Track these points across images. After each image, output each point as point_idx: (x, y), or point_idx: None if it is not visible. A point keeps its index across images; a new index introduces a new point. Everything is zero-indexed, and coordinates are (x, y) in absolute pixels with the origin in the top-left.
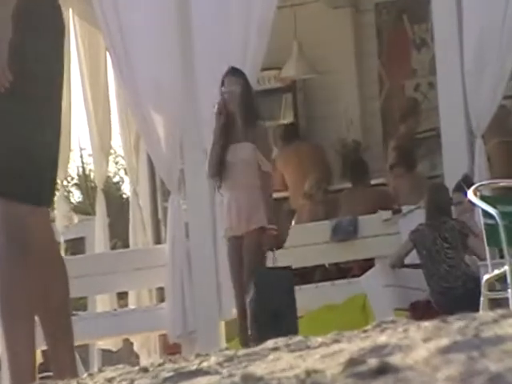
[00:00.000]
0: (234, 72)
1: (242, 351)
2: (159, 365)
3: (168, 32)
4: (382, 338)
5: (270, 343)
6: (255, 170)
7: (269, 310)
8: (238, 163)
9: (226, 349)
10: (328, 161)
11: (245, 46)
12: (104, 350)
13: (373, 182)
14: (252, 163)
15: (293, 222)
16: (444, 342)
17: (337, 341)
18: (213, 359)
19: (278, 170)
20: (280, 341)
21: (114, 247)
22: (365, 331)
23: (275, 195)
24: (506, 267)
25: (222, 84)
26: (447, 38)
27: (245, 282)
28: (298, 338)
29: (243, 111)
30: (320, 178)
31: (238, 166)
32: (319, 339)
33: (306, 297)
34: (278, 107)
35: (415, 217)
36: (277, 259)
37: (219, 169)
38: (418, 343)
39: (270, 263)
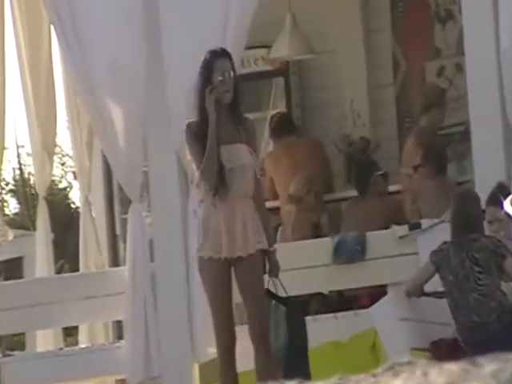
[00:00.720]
0: (227, 54)
1: None
2: None
3: (129, 2)
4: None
5: None
6: (253, 177)
7: (302, 347)
8: (236, 169)
9: None
10: (328, 160)
11: (224, 19)
12: None
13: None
14: (251, 169)
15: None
16: None
17: None
18: None
19: (266, 174)
20: None
21: (59, 270)
22: (375, 375)
23: None
24: None
25: (210, 69)
26: (479, 10)
27: (253, 316)
28: (293, 382)
29: (235, 104)
30: (310, 177)
31: (236, 173)
32: None
33: None
34: (267, 95)
35: (438, 233)
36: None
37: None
38: None
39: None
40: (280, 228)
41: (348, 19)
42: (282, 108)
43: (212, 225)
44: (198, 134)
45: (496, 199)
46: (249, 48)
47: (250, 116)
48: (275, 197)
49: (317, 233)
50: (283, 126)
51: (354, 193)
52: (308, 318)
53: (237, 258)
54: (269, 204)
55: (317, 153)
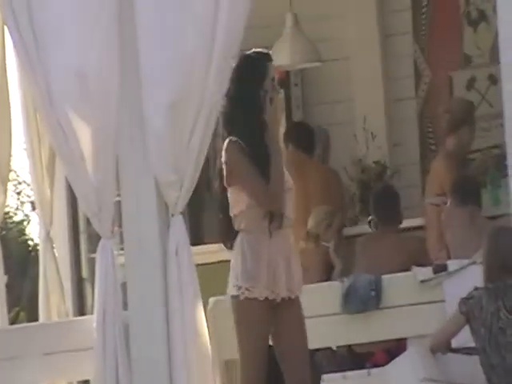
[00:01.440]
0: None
1: None
2: None
3: (100, 4)
4: None
5: None
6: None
7: None
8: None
9: None
10: (342, 187)
11: (213, 21)
12: None
13: (405, 223)
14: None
15: None
16: None
17: None
18: None
19: None
20: None
21: (14, 320)
22: None
23: None
24: None
25: (263, 75)
26: None
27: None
28: None
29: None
30: (331, 210)
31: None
32: None
33: None
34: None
35: (469, 277)
36: None
37: None
38: None
39: None
40: None
41: (362, 21)
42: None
43: (264, 258)
44: (248, 153)
45: None
46: None
47: None
48: None
49: (329, 275)
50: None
51: (367, 228)
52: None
53: (282, 299)
54: None
55: (331, 176)
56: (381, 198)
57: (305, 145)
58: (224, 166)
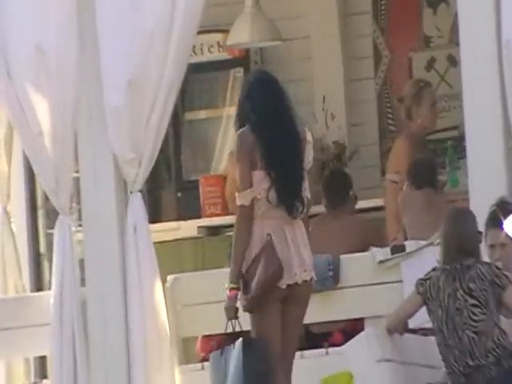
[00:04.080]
0: None
1: None
2: None
3: None
4: None
5: None
6: None
7: None
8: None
9: None
10: None
11: (172, 0)
12: None
13: (363, 204)
14: None
15: None
16: None
17: None
18: None
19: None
20: None
21: None
22: None
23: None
24: None
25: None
26: None
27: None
28: None
29: None
30: None
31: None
32: None
33: None
34: (223, 89)
35: (426, 258)
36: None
37: None
38: None
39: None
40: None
41: (322, 0)
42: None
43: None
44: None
45: (498, 219)
46: (202, 32)
47: (202, 114)
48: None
49: None
50: None
51: (323, 208)
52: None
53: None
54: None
55: None
56: (330, 181)
57: None
58: None
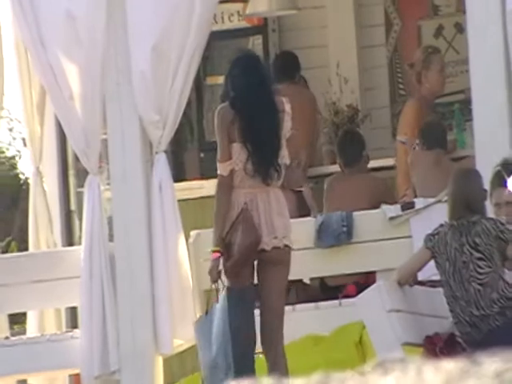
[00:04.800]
0: None
1: None
2: None
3: None
4: (387, 383)
5: None
6: None
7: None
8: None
9: None
10: (319, 123)
11: None
12: None
13: (374, 163)
14: None
15: None
16: None
17: None
18: None
19: None
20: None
21: (6, 249)
22: (362, 373)
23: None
24: None
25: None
26: None
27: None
28: (270, 380)
29: None
30: (299, 147)
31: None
32: (299, 382)
33: None
34: None
35: (434, 214)
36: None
37: None
38: None
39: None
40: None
41: None
42: None
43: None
44: None
45: (502, 179)
46: (223, 2)
47: (223, 79)
48: None
49: (304, 212)
50: (288, 66)
51: (337, 168)
52: (286, 308)
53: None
54: None
55: (311, 112)
56: (344, 141)
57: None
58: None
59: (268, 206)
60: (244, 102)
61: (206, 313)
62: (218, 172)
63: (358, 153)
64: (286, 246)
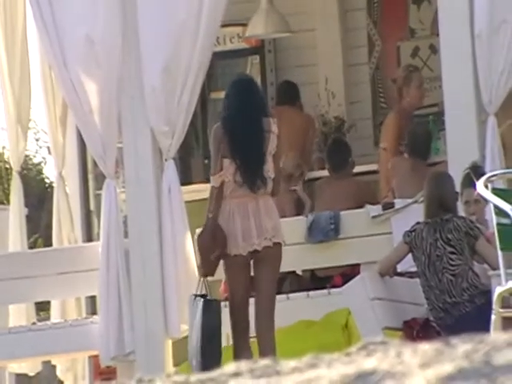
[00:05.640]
0: None
1: (195, 377)
2: None
3: None
4: (370, 363)
5: (230, 367)
6: None
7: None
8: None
9: (175, 373)
10: (314, 138)
11: None
12: (18, 375)
13: (359, 168)
14: None
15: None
16: (446, 369)
17: (313, 365)
18: None
19: None
20: (242, 365)
21: (33, 245)
22: (348, 354)
23: None
24: None
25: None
26: None
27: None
28: (265, 361)
29: None
30: (301, 162)
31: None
32: (291, 363)
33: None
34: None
35: (412, 213)
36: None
37: None
38: (414, 370)
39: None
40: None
41: None
42: None
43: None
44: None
45: (471, 180)
46: (224, 26)
47: (223, 94)
48: None
49: (300, 211)
50: (287, 93)
51: (326, 173)
52: (281, 297)
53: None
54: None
55: (310, 129)
56: (333, 148)
57: (290, 96)
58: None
59: (257, 212)
60: (233, 122)
61: (194, 297)
62: (211, 184)
63: (345, 159)
64: (276, 243)
